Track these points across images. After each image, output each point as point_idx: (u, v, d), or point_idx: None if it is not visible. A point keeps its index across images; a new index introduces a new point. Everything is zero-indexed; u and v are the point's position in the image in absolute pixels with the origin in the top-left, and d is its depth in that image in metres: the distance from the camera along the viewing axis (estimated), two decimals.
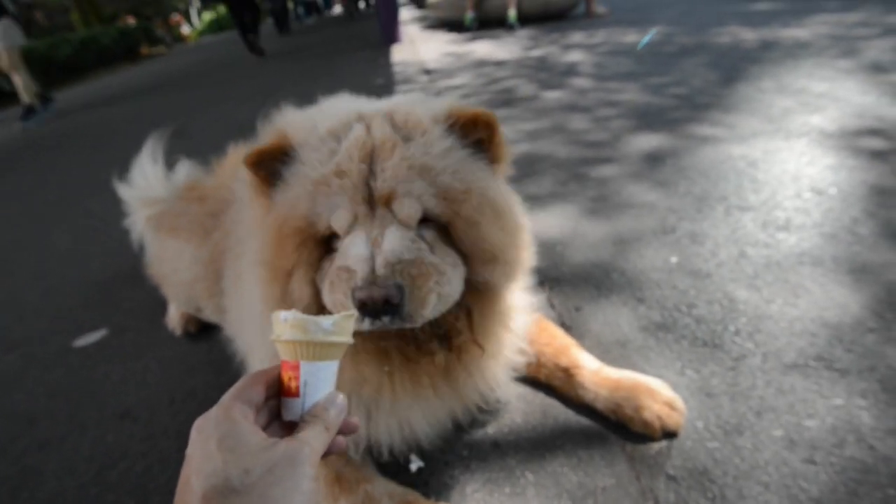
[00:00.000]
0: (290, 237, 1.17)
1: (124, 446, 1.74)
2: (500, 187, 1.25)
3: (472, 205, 1.14)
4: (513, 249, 1.24)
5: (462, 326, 1.27)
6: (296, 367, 0.75)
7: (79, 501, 1.57)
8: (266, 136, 1.24)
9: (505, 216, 1.21)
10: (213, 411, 0.69)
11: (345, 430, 0.79)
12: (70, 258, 3.22)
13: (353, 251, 1.07)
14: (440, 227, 1.15)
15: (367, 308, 1.01)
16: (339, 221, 1.11)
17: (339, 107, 1.32)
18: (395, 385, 1.27)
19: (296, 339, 0.74)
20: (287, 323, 0.75)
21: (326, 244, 1.16)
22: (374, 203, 1.11)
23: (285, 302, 1.20)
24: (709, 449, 1.40)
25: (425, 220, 1.13)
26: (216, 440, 0.65)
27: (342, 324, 0.77)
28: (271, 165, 1.20)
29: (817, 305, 1.83)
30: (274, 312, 0.77)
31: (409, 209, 1.10)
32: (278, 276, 1.20)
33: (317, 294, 1.17)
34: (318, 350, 0.75)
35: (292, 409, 0.76)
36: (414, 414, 1.36)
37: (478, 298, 1.26)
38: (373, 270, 1.03)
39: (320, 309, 1.15)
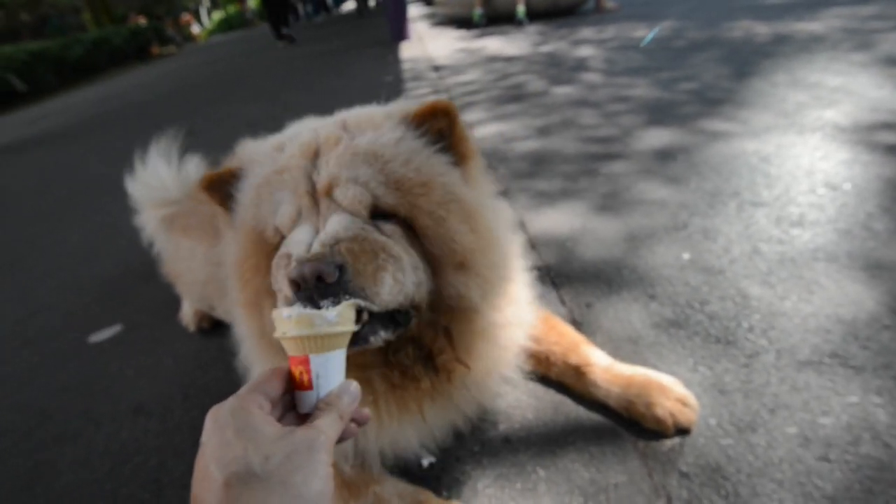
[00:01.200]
0: (247, 261, 1.14)
1: (138, 441, 1.76)
2: (471, 188, 1.18)
3: (433, 199, 1.09)
4: (487, 257, 1.16)
5: (443, 346, 1.22)
6: (305, 362, 0.76)
7: (93, 495, 1.59)
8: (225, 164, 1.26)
9: (476, 218, 1.14)
10: (229, 401, 0.70)
11: (357, 420, 0.80)
12: (83, 255, 3.25)
13: (293, 238, 1.02)
14: (402, 223, 1.09)
15: (300, 290, 0.91)
16: (282, 218, 1.07)
17: (298, 125, 1.33)
18: (380, 412, 1.23)
19: (302, 335, 0.75)
20: (291, 320, 0.75)
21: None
22: (318, 196, 1.06)
23: (266, 337, 1.16)
24: (722, 446, 1.39)
25: (383, 215, 1.07)
26: (233, 429, 0.65)
27: (345, 313, 0.79)
28: (224, 188, 1.20)
29: (832, 302, 1.81)
30: (274, 311, 0.78)
31: (352, 194, 1.04)
32: (252, 313, 1.18)
33: None
34: (325, 342, 0.76)
35: (307, 402, 0.76)
36: (405, 435, 1.32)
37: (455, 318, 1.19)
38: (308, 250, 0.96)
39: None
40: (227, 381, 1.94)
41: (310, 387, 0.76)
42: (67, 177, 5.13)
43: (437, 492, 1.39)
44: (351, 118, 1.20)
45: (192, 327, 2.27)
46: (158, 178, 2.34)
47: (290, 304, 0.95)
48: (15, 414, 1.98)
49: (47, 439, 1.83)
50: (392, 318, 1.06)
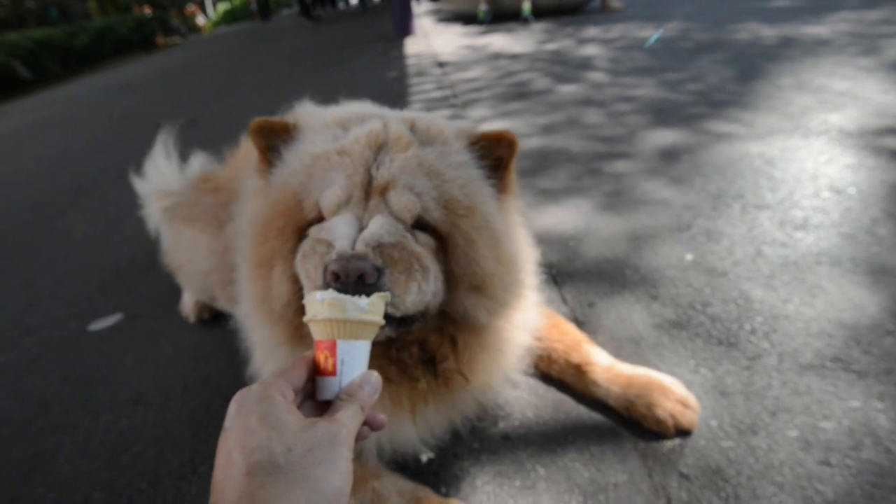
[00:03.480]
0: (274, 220, 1.14)
1: (137, 431, 1.76)
2: (503, 218, 1.22)
3: (472, 223, 1.12)
4: (503, 282, 1.19)
5: (447, 353, 1.23)
6: (332, 346, 0.76)
7: (91, 485, 1.58)
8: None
9: (502, 247, 1.17)
10: (255, 388, 0.70)
11: (373, 425, 0.80)
12: (87, 244, 3.25)
13: (334, 226, 1.02)
14: (436, 236, 1.11)
15: (337, 282, 0.93)
16: (329, 199, 1.07)
17: (358, 106, 1.33)
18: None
19: (333, 318, 0.75)
20: (324, 303, 0.76)
21: (306, 233, 1.12)
22: (371, 191, 1.07)
23: (268, 302, 1.17)
24: (722, 448, 1.39)
25: (423, 227, 1.10)
26: (257, 416, 0.65)
27: (376, 304, 0.79)
28: (273, 139, 1.21)
29: (835, 306, 1.80)
30: (308, 294, 0.78)
31: (405, 201, 1.06)
32: (261, 273, 1.18)
33: (296, 291, 1.13)
34: (354, 329, 0.77)
35: (329, 388, 0.76)
36: (404, 431, 1.33)
37: (461, 329, 1.21)
38: (352, 246, 0.97)
39: (298, 307, 1.12)
40: (227, 372, 1.94)
41: (333, 373, 0.76)
42: (72, 165, 5.12)
43: (436, 488, 1.39)
44: (421, 122, 1.21)
45: (192, 318, 2.26)
46: (159, 171, 2.35)
47: (315, 288, 0.98)
48: (15, 403, 1.98)
49: (47, 428, 1.83)
50: (402, 318, 1.07)
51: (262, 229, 1.17)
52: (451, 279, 1.14)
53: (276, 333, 1.21)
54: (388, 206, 1.06)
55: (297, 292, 1.12)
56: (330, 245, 1.00)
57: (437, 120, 1.25)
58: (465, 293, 1.15)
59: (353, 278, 0.92)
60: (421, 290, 1.03)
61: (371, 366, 1.18)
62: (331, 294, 0.76)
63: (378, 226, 1.01)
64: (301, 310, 1.02)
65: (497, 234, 1.16)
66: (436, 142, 1.17)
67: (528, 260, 1.36)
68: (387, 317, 1.02)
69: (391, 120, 1.20)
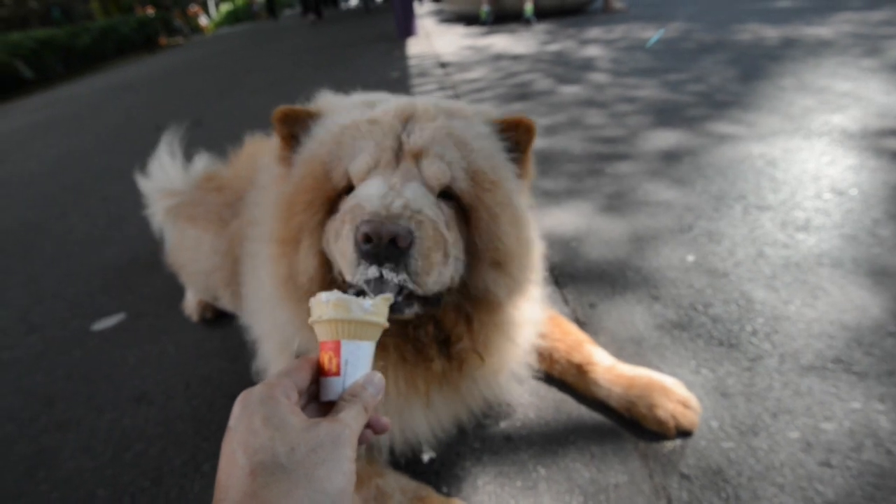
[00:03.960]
0: (301, 194, 1.14)
1: (140, 429, 1.76)
2: (522, 200, 1.25)
3: (496, 198, 1.13)
4: (521, 262, 1.21)
5: (462, 333, 1.23)
6: (336, 347, 0.76)
7: (95, 481, 1.59)
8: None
9: (522, 227, 1.19)
10: (259, 388, 0.70)
11: (376, 428, 0.80)
12: (90, 243, 3.25)
13: (367, 190, 1.02)
14: (460, 209, 1.12)
15: (370, 244, 0.91)
16: (359, 164, 1.07)
17: (378, 94, 1.36)
18: (388, 385, 1.23)
19: (338, 318, 0.76)
20: (329, 303, 0.76)
21: (335, 205, 1.12)
22: (402, 156, 1.08)
23: (292, 280, 1.17)
24: (723, 449, 1.39)
25: (448, 196, 1.11)
26: (261, 417, 0.65)
27: (380, 305, 0.79)
28: (296, 127, 1.23)
29: (836, 307, 1.81)
30: (314, 297, 0.78)
31: (437, 169, 1.07)
32: (286, 251, 1.18)
33: (323, 266, 1.13)
34: (358, 329, 0.77)
35: (332, 389, 0.77)
36: (415, 418, 1.34)
37: (478, 307, 1.22)
38: (387, 207, 0.96)
39: (326, 285, 1.12)
40: (229, 371, 1.95)
41: (337, 373, 0.76)
42: (74, 165, 5.14)
43: (438, 488, 1.40)
44: (443, 102, 1.25)
45: (195, 317, 2.27)
46: (163, 170, 2.36)
47: (351, 260, 0.99)
48: (19, 399, 1.99)
49: (50, 425, 1.84)
50: (425, 297, 1.08)
51: (288, 206, 1.17)
52: (473, 253, 1.15)
53: (300, 313, 1.19)
54: (421, 173, 1.07)
55: (324, 268, 1.13)
56: (361, 208, 0.98)
57: (457, 102, 1.29)
58: (485, 270, 1.16)
59: (385, 240, 0.91)
60: (443, 270, 1.04)
61: (388, 344, 1.20)
62: (335, 295, 0.77)
63: (412, 192, 1.01)
64: (327, 287, 1.03)
65: (519, 213, 1.18)
66: (459, 116, 1.20)
67: (538, 249, 1.38)
68: (411, 295, 1.03)
69: (417, 99, 1.24)
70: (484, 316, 1.24)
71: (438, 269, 1.02)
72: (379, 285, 0.99)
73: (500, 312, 1.27)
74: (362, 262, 0.97)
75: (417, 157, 1.08)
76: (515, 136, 1.23)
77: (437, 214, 1.03)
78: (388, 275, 0.97)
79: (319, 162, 1.13)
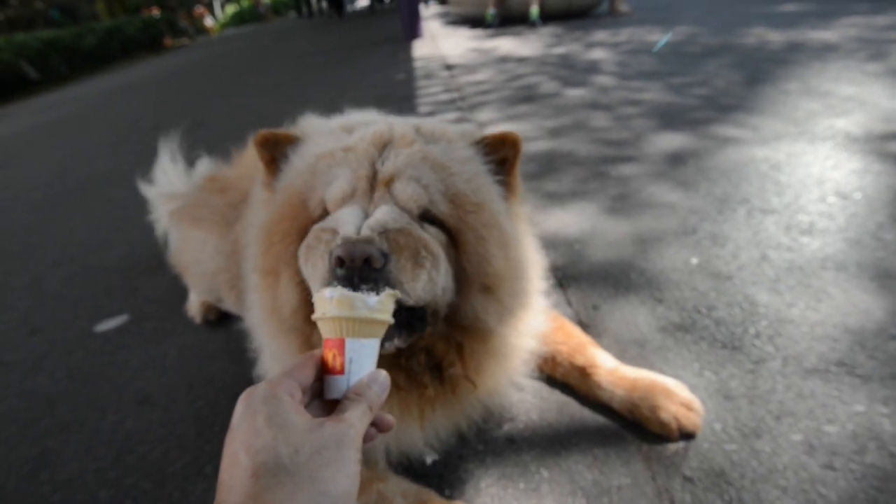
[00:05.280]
0: (278, 224, 1.14)
1: (142, 431, 1.77)
2: (511, 219, 1.22)
3: (481, 219, 1.11)
4: (512, 287, 1.19)
5: (454, 360, 1.22)
6: (340, 344, 0.76)
7: (97, 484, 1.59)
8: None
9: (510, 247, 1.17)
10: (262, 386, 0.69)
11: (381, 427, 0.79)
12: (93, 244, 3.26)
13: (339, 216, 1.01)
14: (446, 233, 1.11)
15: (344, 267, 0.91)
16: (334, 192, 1.07)
17: (363, 114, 1.35)
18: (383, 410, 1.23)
19: (342, 316, 0.75)
20: (333, 300, 0.76)
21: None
22: (376, 185, 1.07)
23: (276, 313, 1.17)
24: (726, 451, 1.38)
25: (431, 220, 1.09)
26: (264, 416, 0.64)
27: (385, 302, 0.79)
28: (278, 151, 1.22)
29: (840, 311, 1.80)
30: (318, 292, 0.78)
31: (411, 192, 1.06)
32: (269, 282, 1.18)
33: (304, 297, 1.12)
34: (362, 327, 0.76)
35: (336, 387, 0.76)
36: (409, 433, 1.33)
37: (469, 336, 1.21)
38: (357, 232, 0.96)
39: (307, 314, 1.08)
40: (232, 373, 1.95)
41: (341, 371, 0.75)
42: (78, 167, 5.16)
43: (440, 490, 1.39)
44: (425, 125, 1.23)
45: (198, 319, 2.27)
46: (165, 175, 2.37)
47: (323, 282, 0.96)
48: (22, 401, 1.99)
49: (53, 427, 1.84)
50: (409, 322, 1.06)
51: (267, 236, 1.17)
52: (462, 279, 1.13)
53: (287, 344, 1.20)
54: (394, 197, 1.06)
55: (306, 299, 1.11)
56: (335, 232, 0.99)
57: (441, 123, 1.26)
58: (475, 295, 1.14)
59: (358, 262, 0.90)
60: (431, 278, 1.02)
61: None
62: (339, 291, 0.76)
63: (383, 213, 1.00)
64: (310, 318, 1.02)
65: (506, 235, 1.16)
66: (440, 140, 1.18)
67: (535, 268, 1.37)
68: (396, 319, 1.02)
69: (396, 122, 1.22)
70: (475, 344, 1.23)
71: (427, 274, 1.01)
72: None
73: (490, 339, 1.25)
74: (345, 285, 0.94)
75: (390, 182, 1.07)
76: (502, 152, 1.21)
77: (409, 223, 1.02)
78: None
79: (296, 192, 1.13)
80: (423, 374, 1.21)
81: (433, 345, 1.20)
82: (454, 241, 1.12)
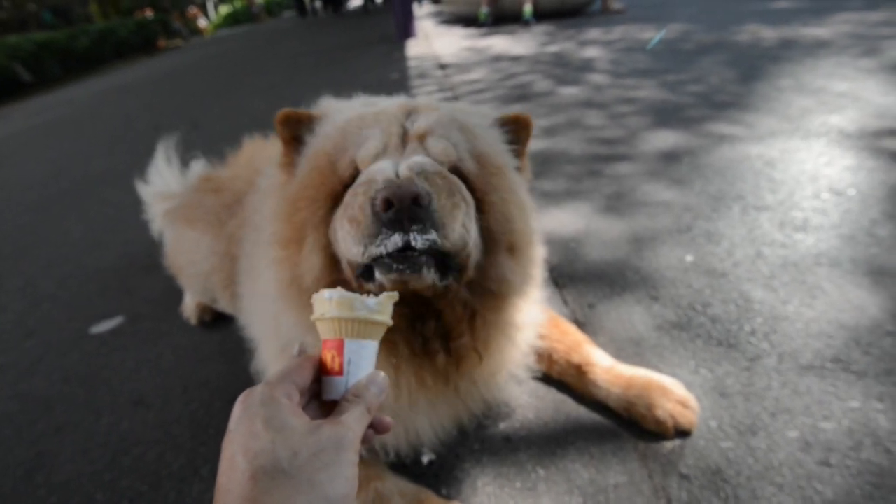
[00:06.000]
0: (306, 190, 1.14)
1: (138, 433, 1.76)
2: (525, 190, 1.27)
3: (504, 183, 1.16)
4: (530, 252, 1.24)
5: (463, 330, 1.22)
6: (339, 345, 0.75)
7: (93, 486, 1.59)
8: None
9: (527, 214, 1.22)
10: (259, 389, 0.69)
11: (378, 429, 0.79)
12: (87, 246, 3.25)
13: (375, 167, 1.03)
14: (471, 192, 1.11)
15: (392, 210, 0.90)
16: (366, 151, 1.08)
17: (380, 98, 1.38)
18: (400, 383, 1.22)
19: (341, 317, 0.75)
20: (332, 301, 0.75)
21: (340, 198, 1.09)
22: (408, 139, 1.10)
23: (296, 283, 1.17)
24: (722, 449, 1.39)
25: (459, 177, 1.10)
26: (262, 419, 0.64)
27: (385, 303, 0.78)
28: (298, 129, 1.24)
29: (834, 307, 1.80)
30: (316, 293, 0.78)
31: (443, 146, 1.09)
32: (289, 253, 1.17)
33: (328, 265, 1.12)
34: (362, 328, 0.76)
35: (335, 388, 0.76)
36: (419, 420, 1.34)
37: (485, 303, 1.21)
38: (396, 175, 0.96)
39: (330, 283, 1.10)
40: (227, 374, 1.95)
41: (340, 372, 0.75)
42: (72, 168, 5.13)
43: (437, 489, 1.39)
44: (443, 102, 1.29)
45: (193, 320, 2.27)
46: (160, 176, 2.36)
47: (364, 236, 0.96)
48: (17, 403, 1.98)
49: (49, 429, 1.83)
50: (444, 263, 1.05)
51: (291, 204, 1.17)
52: (488, 238, 1.14)
53: (304, 316, 1.16)
54: (427, 150, 1.09)
55: (330, 267, 1.12)
56: (371, 182, 0.98)
57: (461, 104, 1.34)
58: (501, 256, 1.17)
59: (407, 201, 0.90)
60: (465, 224, 1.02)
61: (397, 337, 1.18)
62: (338, 292, 0.76)
63: (417, 158, 1.03)
64: (333, 285, 1.00)
65: (523, 202, 1.21)
66: (462, 112, 1.25)
67: (540, 250, 1.37)
68: (433, 253, 1.00)
69: (418, 98, 1.29)
70: (488, 314, 1.23)
71: (462, 216, 1.01)
72: (400, 257, 0.97)
73: (504, 309, 1.26)
74: (384, 231, 0.94)
75: (422, 138, 1.10)
76: (515, 130, 1.27)
77: (444, 169, 1.05)
78: (417, 238, 0.94)
79: (324, 154, 1.14)
80: (434, 341, 1.21)
81: (447, 310, 1.18)
82: (479, 202, 1.13)
